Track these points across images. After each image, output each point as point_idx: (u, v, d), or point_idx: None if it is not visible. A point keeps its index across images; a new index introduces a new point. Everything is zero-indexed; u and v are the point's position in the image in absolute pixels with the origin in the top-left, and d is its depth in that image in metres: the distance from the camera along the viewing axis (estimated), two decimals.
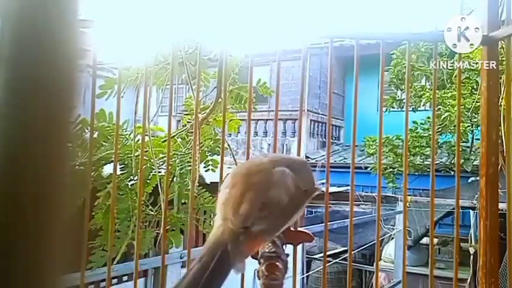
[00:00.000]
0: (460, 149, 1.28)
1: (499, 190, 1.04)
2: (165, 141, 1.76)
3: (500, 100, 1.08)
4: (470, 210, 4.54)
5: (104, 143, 1.73)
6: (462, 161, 4.36)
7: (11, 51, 0.24)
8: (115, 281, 3.00)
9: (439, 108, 4.22)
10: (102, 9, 1.05)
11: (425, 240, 5.47)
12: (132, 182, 1.76)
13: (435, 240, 5.55)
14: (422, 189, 5.13)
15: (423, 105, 4.89)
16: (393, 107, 4.98)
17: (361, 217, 5.26)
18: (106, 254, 1.58)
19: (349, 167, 1.11)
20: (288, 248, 0.95)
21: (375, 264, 1.96)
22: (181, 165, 1.79)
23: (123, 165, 1.75)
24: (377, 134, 1.17)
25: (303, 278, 5.40)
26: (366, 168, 5.19)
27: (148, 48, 1.55)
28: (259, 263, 0.79)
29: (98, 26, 1.02)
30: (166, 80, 1.80)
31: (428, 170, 1.76)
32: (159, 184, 1.70)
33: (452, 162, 4.95)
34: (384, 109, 4.42)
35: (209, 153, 1.94)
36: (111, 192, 1.33)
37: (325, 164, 1.18)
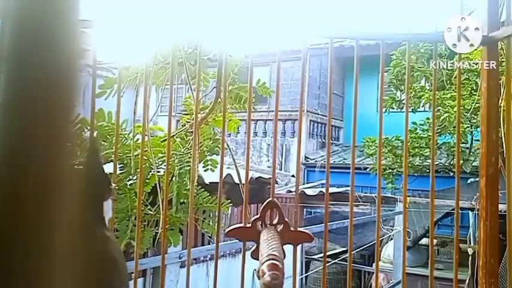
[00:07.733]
0: (460, 150, 1.28)
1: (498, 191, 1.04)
2: (164, 141, 1.75)
3: (500, 101, 1.08)
4: (469, 211, 4.54)
5: (103, 143, 1.73)
6: (461, 162, 4.37)
7: (11, 51, 0.24)
8: None
9: (439, 109, 4.22)
10: (102, 9, 1.05)
11: (424, 241, 5.47)
12: (132, 181, 1.76)
13: (434, 241, 5.54)
14: (421, 190, 5.13)
15: (423, 106, 4.90)
16: (393, 108, 4.99)
17: (360, 218, 5.26)
18: None
19: (348, 168, 1.11)
20: (288, 248, 0.95)
21: (374, 264, 1.96)
22: (180, 165, 1.79)
23: (122, 165, 1.75)
24: (376, 134, 1.17)
25: (301, 278, 5.40)
26: (365, 169, 5.20)
27: (147, 48, 1.55)
28: (260, 263, 0.79)
29: (98, 26, 1.02)
30: (165, 80, 1.80)
31: (427, 171, 1.76)
32: (158, 184, 1.70)
33: (452, 163, 4.96)
34: (384, 110, 4.41)
35: (208, 153, 1.94)
36: None
37: (324, 164, 1.18)
